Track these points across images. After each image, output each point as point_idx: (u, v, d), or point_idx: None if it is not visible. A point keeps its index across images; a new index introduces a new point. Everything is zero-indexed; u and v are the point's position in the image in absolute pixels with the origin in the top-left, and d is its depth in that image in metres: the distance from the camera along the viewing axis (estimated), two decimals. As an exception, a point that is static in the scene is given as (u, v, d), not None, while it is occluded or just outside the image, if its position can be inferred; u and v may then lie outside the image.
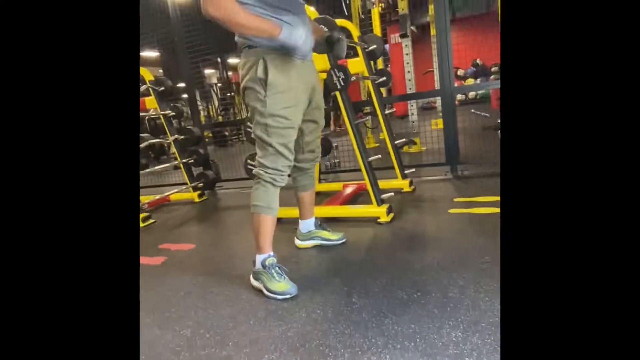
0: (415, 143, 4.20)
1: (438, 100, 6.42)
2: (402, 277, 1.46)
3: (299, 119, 1.50)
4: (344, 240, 1.88)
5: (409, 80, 4.86)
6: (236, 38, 1.43)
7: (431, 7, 6.05)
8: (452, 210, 2.15)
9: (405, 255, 1.67)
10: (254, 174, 1.52)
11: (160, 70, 9.80)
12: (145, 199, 3.11)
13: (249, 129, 2.21)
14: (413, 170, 2.83)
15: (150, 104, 3.29)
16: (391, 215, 2.14)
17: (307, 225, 1.88)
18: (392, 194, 2.24)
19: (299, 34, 1.32)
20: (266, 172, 1.47)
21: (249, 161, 2.66)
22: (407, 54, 4.83)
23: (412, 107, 5.19)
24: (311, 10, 2.00)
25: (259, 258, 1.51)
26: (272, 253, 1.52)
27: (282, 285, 1.44)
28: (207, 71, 12.17)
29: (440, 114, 3.55)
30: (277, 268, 1.48)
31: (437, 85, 5.39)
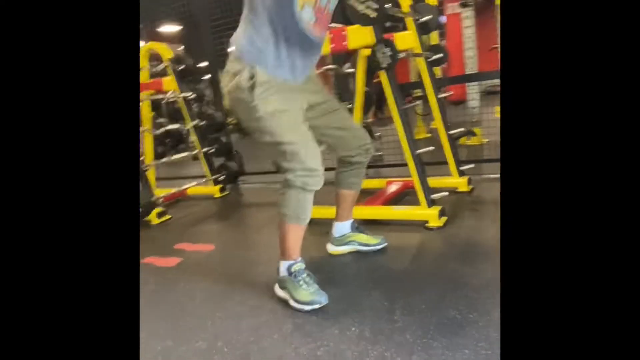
0: (475, 134, 4.07)
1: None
2: (454, 293, 1.43)
3: (302, 114, 1.51)
4: (384, 245, 1.85)
5: (470, 58, 4.71)
6: (239, 38, 1.46)
7: (499, -29, 5.82)
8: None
9: (459, 267, 1.63)
10: (283, 181, 1.51)
11: (181, 47, 10.07)
12: (160, 192, 3.21)
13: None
14: (472, 166, 2.75)
15: (168, 86, 3.38)
16: (443, 219, 2.10)
17: (341, 228, 1.87)
18: (446, 193, 2.19)
19: None
20: (296, 176, 1.45)
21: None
22: (467, 27, 4.69)
23: (473, 90, 5.04)
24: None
25: (284, 264, 1.52)
26: (299, 259, 1.53)
27: (311, 295, 1.45)
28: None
29: (507, 99, 3.42)
30: (304, 275, 1.49)
31: (503, 65, 5.19)
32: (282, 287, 1.53)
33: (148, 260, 2.15)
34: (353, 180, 1.78)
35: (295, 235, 1.52)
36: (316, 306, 1.43)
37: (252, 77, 1.40)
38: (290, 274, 1.50)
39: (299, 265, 1.50)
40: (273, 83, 1.43)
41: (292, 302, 1.47)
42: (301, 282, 1.47)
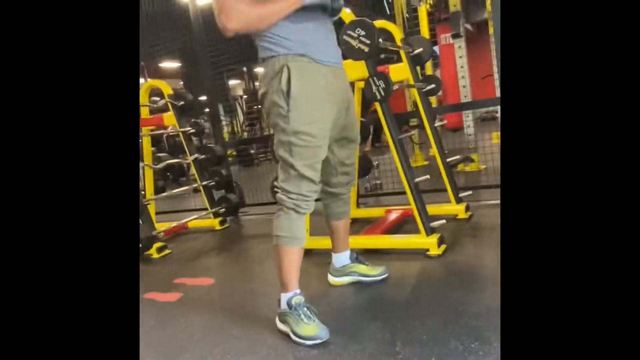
0: (472, 160, 4.11)
1: (499, 109, 6.27)
2: (456, 322, 1.42)
3: (327, 136, 1.52)
4: (385, 276, 1.85)
5: (464, 86, 4.80)
6: (259, 47, 1.49)
7: (488, 2, 6.01)
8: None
9: (460, 295, 1.62)
10: (277, 200, 1.54)
11: (181, 83, 10.27)
12: (161, 226, 3.22)
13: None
14: (470, 192, 2.77)
15: (168, 121, 3.45)
16: (443, 247, 2.09)
17: (341, 259, 1.87)
18: (444, 221, 2.19)
19: None
20: (289, 198, 1.49)
21: (275, 183, 2.70)
22: (460, 57, 4.80)
23: (468, 118, 5.11)
24: (347, 13, 2.05)
25: (284, 297, 1.52)
26: (297, 291, 1.52)
27: (312, 329, 1.43)
28: (232, 82, 12.62)
29: (502, 126, 3.47)
30: (305, 309, 1.48)
31: (498, 92, 5.30)
32: (283, 321, 1.52)
33: (149, 296, 2.14)
34: (340, 210, 1.79)
35: (292, 260, 1.52)
36: (318, 341, 1.41)
37: (288, 80, 1.41)
38: (290, 307, 1.49)
39: (299, 298, 1.50)
40: (306, 77, 1.43)
41: (293, 337, 1.46)
42: (302, 316, 1.46)
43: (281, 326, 1.52)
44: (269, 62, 1.46)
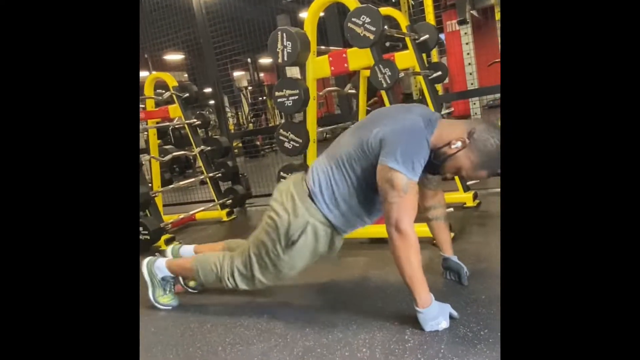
0: (479, 148, 4.08)
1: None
2: (464, 310, 1.41)
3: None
4: None
5: (470, 74, 4.76)
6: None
7: (495, -13, 5.91)
8: (526, 229, 2.05)
9: (469, 283, 1.62)
10: (228, 278, 1.64)
11: (185, 75, 10.25)
12: (168, 218, 3.23)
13: (281, 137, 2.25)
14: (477, 180, 2.75)
15: (174, 113, 3.44)
16: (451, 235, 2.08)
17: None
18: (452, 209, 2.17)
19: (439, 322, 1.33)
20: (233, 280, 1.65)
21: (282, 174, 2.69)
22: (466, 43, 4.76)
23: (475, 105, 5.07)
24: (352, 0, 2.02)
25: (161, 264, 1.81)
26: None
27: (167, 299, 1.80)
28: (237, 74, 12.59)
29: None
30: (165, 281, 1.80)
31: (504, 79, 5.22)
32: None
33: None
34: None
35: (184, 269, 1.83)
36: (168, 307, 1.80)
37: (315, 226, 1.49)
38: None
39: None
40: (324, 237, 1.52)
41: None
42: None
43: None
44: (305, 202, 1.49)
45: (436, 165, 1.40)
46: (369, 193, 1.43)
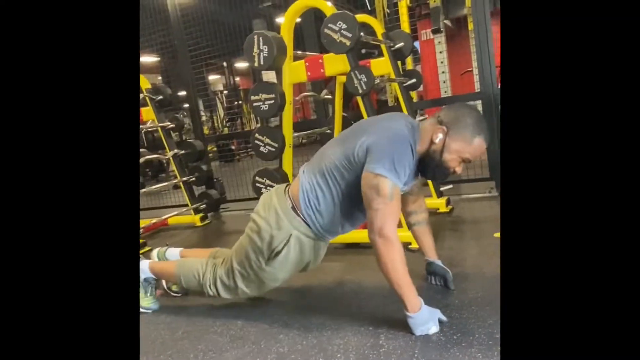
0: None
1: (479, 104, 6.34)
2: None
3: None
4: None
5: (444, 82, 4.85)
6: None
7: (468, -2, 6.05)
8: (498, 234, 2.09)
9: (442, 288, 1.63)
10: (210, 282, 1.64)
11: (159, 78, 10.09)
12: (140, 223, 3.16)
13: (256, 142, 2.23)
14: (450, 186, 2.80)
15: (147, 115, 3.38)
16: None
17: None
18: (426, 215, 2.20)
19: (429, 327, 1.33)
20: (215, 289, 1.65)
21: (257, 178, 2.67)
22: (440, 52, 4.85)
23: (448, 113, 5.15)
24: (328, 6, 2.03)
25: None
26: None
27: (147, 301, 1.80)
28: (212, 77, 12.47)
29: (482, 121, 3.51)
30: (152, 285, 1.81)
31: (477, 87, 5.36)
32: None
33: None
34: None
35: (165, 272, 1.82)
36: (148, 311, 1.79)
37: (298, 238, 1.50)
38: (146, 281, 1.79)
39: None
40: (309, 247, 1.53)
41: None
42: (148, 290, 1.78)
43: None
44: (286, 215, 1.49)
45: (440, 166, 1.40)
46: (353, 203, 1.43)
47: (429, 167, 1.42)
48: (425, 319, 1.33)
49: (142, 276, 1.78)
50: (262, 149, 2.25)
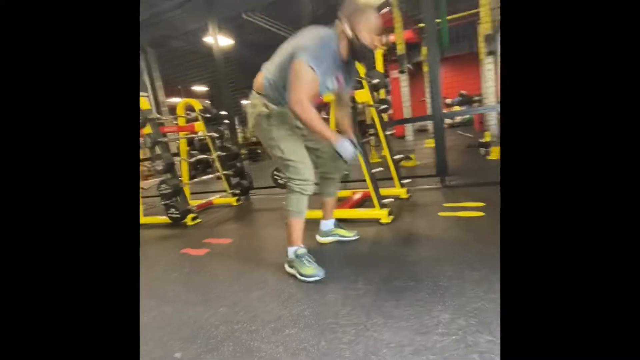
0: (410, 158, 4.15)
1: (430, 123, 6.35)
2: (399, 269, 1.43)
3: (300, 136, 1.51)
4: (357, 237, 1.85)
5: (406, 107, 4.83)
6: (263, 81, 1.43)
7: (424, 49, 6.02)
8: (441, 214, 2.10)
9: (402, 250, 1.64)
10: (287, 186, 1.51)
11: (207, 101, 10.01)
12: (194, 202, 3.16)
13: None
14: (409, 180, 2.79)
15: (199, 128, 3.36)
16: (391, 217, 2.11)
17: (327, 224, 1.87)
18: (392, 199, 2.21)
19: (350, 151, 1.32)
20: (295, 184, 1.46)
21: (275, 173, 2.67)
22: (404, 87, 4.82)
23: (409, 129, 5.15)
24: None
25: (291, 250, 1.51)
26: (302, 245, 1.52)
27: (311, 270, 1.44)
28: (244, 101, 12.38)
29: (432, 135, 3.51)
30: (307, 256, 1.48)
31: (429, 112, 5.35)
32: (291, 266, 1.51)
33: (184, 251, 2.11)
34: (331, 189, 1.78)
35: (298, 226, 1.51)
36: (317, 278, 1.42)
37: (268, 110, 1.41)
38: (296, 256, 1.49)
39: (302, 250, 1.50)
40: (281, 115, 1.43)
41: (299, 276, 1.46)
42: (305, 261, 1.46)
43: (290, 270, 1.52)
44: (254, 95, 1.44)
45: (363, 46, 1.30)
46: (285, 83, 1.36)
47: (358, 52, 1.32)
48: (346, 144, 1.35)
49: (290, 254, 1.49)
50: (277, 161, 2.22)
